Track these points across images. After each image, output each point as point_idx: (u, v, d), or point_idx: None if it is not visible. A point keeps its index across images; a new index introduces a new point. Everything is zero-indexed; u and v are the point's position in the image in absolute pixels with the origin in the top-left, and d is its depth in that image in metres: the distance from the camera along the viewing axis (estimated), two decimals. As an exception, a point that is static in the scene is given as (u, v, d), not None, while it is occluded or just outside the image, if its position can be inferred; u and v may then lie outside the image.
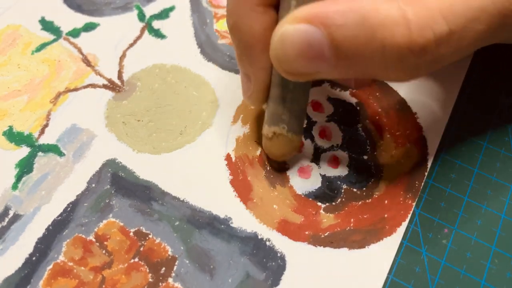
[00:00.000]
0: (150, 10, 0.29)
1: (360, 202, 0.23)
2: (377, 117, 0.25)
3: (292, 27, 0.17)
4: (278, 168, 0.23)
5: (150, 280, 0.21)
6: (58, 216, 0.22)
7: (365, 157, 0.24)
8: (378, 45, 0.17)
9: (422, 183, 0.23)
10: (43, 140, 0.24)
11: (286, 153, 0.22)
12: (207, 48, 0.28)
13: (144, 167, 0.23)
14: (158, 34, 0.28)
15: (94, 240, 0.22)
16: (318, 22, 0.17)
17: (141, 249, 0.21)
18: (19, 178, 0.23)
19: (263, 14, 0.20)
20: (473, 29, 0.17)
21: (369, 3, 0.16)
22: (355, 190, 0.23)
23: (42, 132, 0.25)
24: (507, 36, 0.20)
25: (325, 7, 0.17)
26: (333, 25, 0.17)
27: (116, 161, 0.24)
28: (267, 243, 0.21)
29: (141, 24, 0.29)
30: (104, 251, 0.21)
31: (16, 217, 0.22)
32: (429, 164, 0.24)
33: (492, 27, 0.18)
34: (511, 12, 0.18)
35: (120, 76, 0.27)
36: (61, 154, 0.24)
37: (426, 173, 0.23)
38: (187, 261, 0.21)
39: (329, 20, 0.17)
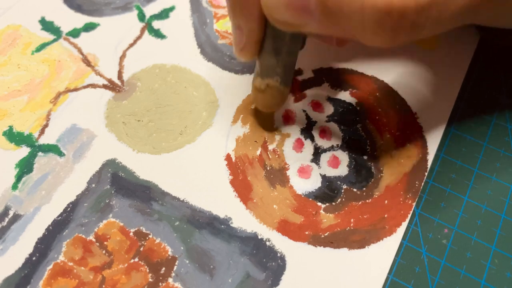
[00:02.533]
0: (150, 10, 0.29)
1: (360, 202, 0.23)
2: (377, 117, 0.25)
3: None
4: (266, 119, 0.24)
5: (150, 280, 0.21)
6: (58, 216, 0.22)
7: (365, 157, 0.24)
8: (358, 4, 0.17)
9: (422, 183, 0.23)
10: (43, 140, 0.24)
11: (277, 104, 0.23)
12: (207, 48, 0.28)
13: (144, 167, 0.24)
14: (158, 34, 0.28)
15: (94, 240, 0.22)
16: None
17: (141, 249, 0.21)
18: (19, 178, 0.23)
19: None
20: (455, 2, 0.17)
21: None
22: (355, 190, 0.23)
23: (42, 132, 0.25)
24: (488, 16, 0.20)
25: None
26: None
27: (116, 161, 0.24)
28: (267, 243, 0.21)
29: (141, 24, 0.29)
30: (104, 251, 0.21)
31: (16, 217, 0.22)
32: (429, 164, 0.24)
33: (474, 3, 0.18)
34: None
35: (120, 76, 0.27)
36: (61, 154, 0.24)
37: (426, 173, 0.23)
38: (187, 261, 0.21)
39: None
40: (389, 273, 0.21)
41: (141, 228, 0.22)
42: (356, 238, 0.22)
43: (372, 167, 0.24)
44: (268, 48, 0.21)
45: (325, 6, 0.17)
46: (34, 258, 0.21)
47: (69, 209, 0.22)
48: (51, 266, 0.21)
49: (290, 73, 0.22)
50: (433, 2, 0.17)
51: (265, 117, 0.25)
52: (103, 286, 0.20)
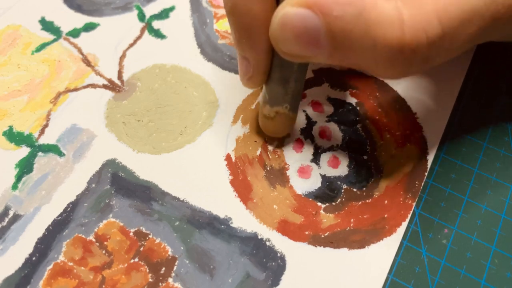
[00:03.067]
0: (150, 10, 0.29)
1: (360, 202, 0.23)
2: (377, 117, 0.25)
3: (292, 10, 0.17)
4: (278, 143, 0.24)
5: (150, 280, 0.21)
6: (58, 216, 0.22)
7: (365, 157, 0.24)
8: (370, 41, 0.17)
9: (422, 183, 0.23)
10: (43, 140, 0.24)
11: (286, 130, 0.24)
12: (207, 48, 0.28)
13: (144, 167, 0.24)
14: (158, 34, 0.28)
15: (94, 240, 0.22)
16: (317, 9, 0.17)
17: (141, 249, 0.21)
18: (19, 178, 0.23)
19: None
20: (466, 31, 0.17)
21: None
22: (355, 190, 0.23)
23: (42, 132, 0.25)
24: (497, 36, 0.20)
25: None
26: (331, 15, 0.17)
27: (116, 161, 0.24)
28: (267, 243, 0.21)
29: (141, 24, 0.29)
30: (104, 251, 0.21)
31: (16, 217, 0.22)
32: (429, 164, 0.24)
33: (484, 29, 0.18)
34: (503, 15, 0.18)
35: (120, 76, 0.27)
36: (61, 154, 0.24)
37: (426, 173, 0.23)
38: (187, 261, 0.21)
39: (327, 9, 0.17)
40: (389, 273, 0.21)
41: (141, 228, 0.22)
42: (356, 238, 0.22)
43: (372, 167, 0.24)
44: (275, 77, 0.21)
45: (336, 41, 0.17)
46: (34, 258, 0.21)
47: (69, 209, 0.22)
48: (51, 266, 0.21)
49: (298, 99, 0.22)
50: (444, 33, 0.17)
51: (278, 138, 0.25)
52: (103, 286, 0.20)
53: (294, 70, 0.21)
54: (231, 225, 0.22)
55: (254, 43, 0.20)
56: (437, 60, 0.18)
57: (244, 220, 0.22)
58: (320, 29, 0.17)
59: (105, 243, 0.21)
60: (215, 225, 0.22)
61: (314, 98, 0.26)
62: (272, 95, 0.22)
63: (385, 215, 0.22)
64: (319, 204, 0.23)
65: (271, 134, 0.24)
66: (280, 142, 0.24)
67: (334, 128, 0.25)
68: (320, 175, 0.23)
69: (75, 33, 0.28)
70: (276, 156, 0.24)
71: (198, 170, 0.23)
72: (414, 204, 0.22)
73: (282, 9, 0.18)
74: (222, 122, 0.25)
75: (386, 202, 0.23)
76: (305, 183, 0.23)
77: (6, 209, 0.22)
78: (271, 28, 0.18)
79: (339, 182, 0.23)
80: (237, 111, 0.25)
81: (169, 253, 0.21)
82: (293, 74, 0.21)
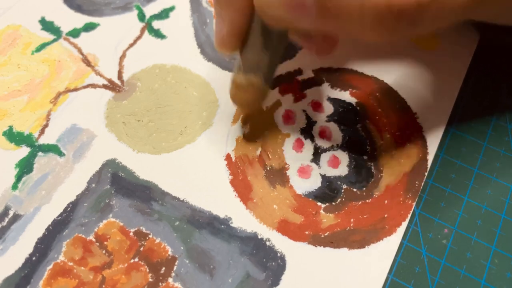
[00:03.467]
0: (150, 10, 0.29)
1: (360, 202, 0.23)
2: (377, 117, 0.25)
3: None
4: (250, 131, 0.24)
5: (150, 280, 0.21)
6: (58, 216, 0.22)
7: (365, 157, 0.24)
8: (357, 2, 0.16)
9: (422, 183, 0.23)
10: (43, 140, 0.24)
11: (257, 102, 0.22)
12: (207, 48, 0.28)
13: (144, 167, 0.23)
14: (158, 34, 0.28)
15: (94, 240, 0.22)
16: None
17: (141, 249, 0.21)
18: (19, 178, 0.23)
19: None
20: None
21: None
22: (355, 190, 0.23)
23: (42, 132, 0.25)
24: (488, 13, 0.20)
25: None
26: None
27: (116, 161, 0.24)
28: (267, 243, 0.21)
29: (141, 24, 0.29)
30: (104, 251, 0.21)
31: (16, 217, 0.22)
32: (429, 164, 0.24)
33: (474, 0, 0.17)
34: None
35: (120, 76, 0.27)
36: (61, 154, 0.24)
37: (426, 173, 0.23)
38: (187, 261, 0.21)
39: None
40: (389, 273, 0.21)
41: (141, 228, 0.22)
42: (356, 238, 0.22)
43: (372, 167, 0.24)
44: (253, 43, 0.21)
45: (323, 4, 0.17)
46: (34, 258, 0.21)
47: (69, 209, 0.22)
48: (51, 266, 0.21)
49: (273, 72, 0.22)
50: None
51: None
52: (103, 286, 0.20)
53: (273, 38, 0.20)
54: (231, 225, 0.22)
55: (232, 1, 0.20)
56: (424, 26, 0.17)
57: (244, 220, 0.22)
58: None
59: (105, 243, 0.21)
60: (215, 225, 0.22)
61: (314, 98, 0.26)
62: (246, 62, 0.21)
63: (385, 215, 0.22)
64: (319, 204, 0.23)
65: (241, 106, 0.23)
66: (254, 130, 0.24)
67: (334, 128, 0.25)
68: (320, 175, 0.23)
69: (75, 33, 0.28)
70: (276, 156, 0.24)
71: (198, 170, 0.23)
72: (414, 204, 0.22)
73: None
74: (222, 122, 0.25)
75: (386, 202, 0.23)
76: (305, 183, 0.23)
77: (6, 209, 0.22)
78: None
79: (339, 182, 0.23)
80: (237, 111, 0.25)
81: (169, 253, 0.21)
82: (271, 42, 0.20)
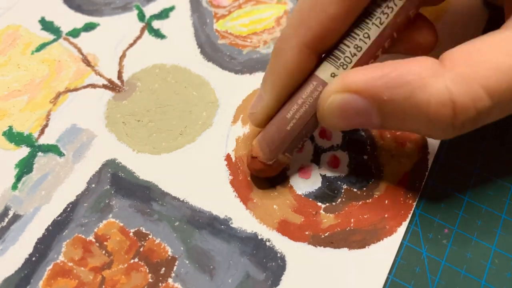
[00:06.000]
0: (150, 10, 0.29)
1: (360, 202, 0.23)
2: (377, 117, 0.25)
3: (340, 97, 0.18)
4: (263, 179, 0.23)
5: (150, 280, 0.21)
6: (58, 216, 0.22)
7: (365, 157, 0.24)
8: (423, 119, 0.17)
9: (422, 183, 0.23)
10: (43, 140, 0.24)
11: (275, 172, 0.22)
12: (207, 48, 0.28)
13: (144, 167, 0.23)
14: (158, 34, 0.28)
15: (94, 240, 0.22)
16: (366, 94, 0.18)
17: (141, 249, 0.21)
18: (19, 178, 0.23)
19: (306, 57, 0.20)
20: None
21: (417, 79, 0.17)
22: (355, 190, 0.23)
23: (42, 132, 0.25)
24: None
25: (373, 78, 0.18)
26: (381, 100, 0.18)
27: (116, 161, 0.24)
28: (267, 243, 0.21)
29: (141, 24, 0.29)
30: (104, 252, 0.21)
31: (16, 217, 0.22)
32: (430, 164, 0.24)
33: None
34: None
35: (120, 76, 0.27)
36: (61, 154, 0.24)
37: (426, 173, 0.23)
38: (187, 262, 0.21)
39: (377, 94, 0.18)
40: (389, 273, 0.21)
41: (141, 228, 0.22)
42: (356, 238, 0.22)
43: (372, 167, 0.24)
44: (295, 129, 0.21)
45: (388, 119, 0.18)
46: (33, 258, 0.21)
47: (69, 209, 0.22)
48: (50, 266, 0.21)
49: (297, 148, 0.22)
50: (495, 105, 0.17)
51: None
52: (103, 286, 0.20)
53: (311, 130, 0.21)
54: (231, 225, 0.22)
55: (274, 88, 0.21)
56: (488, 121, 0.18)
57: (244, 220, 0.22)
58: (371, 110, 0.18)
59: (105, 243, 0.21)
60: (215, 225, 0.22)
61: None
62: (281, 144, 0.21)
63: (385, 215, 0.22)
64: (319, 204, 0.23)
65: (258, 175, 0.23)
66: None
67: (334, 128, 0.25)
68: (320, 175, 0.23)
69: (75, 33, 0.28)
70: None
71: (198, 170, 0.23)
72: (414, 204, 0.22)
73: (329, 93, 0.19)
74: (222, 122, 0.25)
75: (386, 202, 0.23)
76: (305, 183, 0.23)
77: (6, 209, 0.22)
78: (318, 109, 0.19)
79: (339, 182, 0.23)
80: (237, 111, 0.25)
81: (169, 253, 0.21)
82: (310, 133, 0.21)
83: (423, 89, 0.17)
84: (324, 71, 0.20)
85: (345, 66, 0.20)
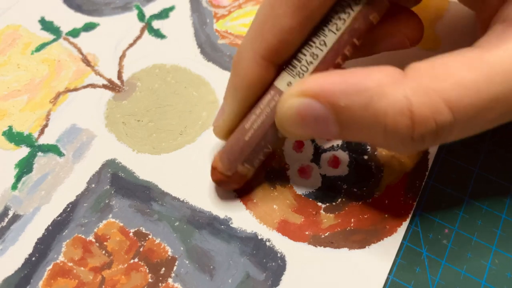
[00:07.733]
0: (150, 10, 0.29)
1: (360, 202, 0.23)
2: (377, 117, 0.25)
3: (297, 101, 0.18)
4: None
5: (150, 280, 0.21)
6: (58, 216, 0.22)
7: (365, 157, 0.24)
8: (381, 129, 0.17)
9: (423, 183, 0.23)
10: (43, 140, 0.24)
11: (239, 185, 0.22)
12: (207, 48, 0.28)
13: (144, 167, 0.23)
14: (158, 34, 0.28)
15: (94, 240, 0.22)
16: (323, 99, 0.17)
17: (141, 249, 0.21)
18: (18, 178, 0.23)
19: (263, 68, 0.20)
20: (483, 118, 0.17)
21: (375, 86, 0.17)
22: (355, 190, 0.23)
23: (42, 132, 0.25)
24: None
25: (331, 84, 0.17)
26: (339, 106, 0.17)
27: (116, 161, 0.24)
28: (267, 243, 0.21)
29: (141, 24, 0.29)
30: (104, 252, 0.21)
31: (16, 217, 0.22)
32: (430, 164, 0.24)
33: (506, 114, 0.17)
34: None
35: (120, 76, 0.27)
36: (61, 154, 0.24)
37: (426, 173, 0.23)
38: (187, 262, 0.21)
39: (334, 99, 0.17)
40: (389, 273, 0.21)
41: (141, 228, 0.22)
42: (356, 238, 0.22)
43: (373, 167, 0.24)
44: (254, 140, 0.21)
45: (345, 127, 0.18)
46: (33, 259, 0.21)
47: (68, 209, 0.22)
48: (50, 267, 0.21)
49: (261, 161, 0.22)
50: (457, 121, 0.16)
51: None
52: (103, 286, 0.20)
53: (274, 142, 0.21)
54: (231, 225, 0.22)
55: (234, 100, 0.21)
56: (450, 139, 0.18)
57: (244, 220, 0.22)
58: (328, 117, 0.18)
59: (105, 243, 0.21)
60: (215, 225, 0.22)
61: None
62: (240, 155, 0.21)
63: (386, 215, 0.22)
64: (319, 204, 0.23)
65: (221, 187, 0.23)
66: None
67: (334, 128, 0.25)
68: (320, 175, 0.23)
69: (75, 33, 0.28)
70: (276, 156, 0.24)
71: (198, 170, 0.23)
72: (414, 204, 0.22)
73: (287, 98, 0.18)
74: (222, 122, 0.25)
75: (386, 202, 0.23)
76: (305, 183, 0.23)
77: (6, 209, 0.22)
78: (276, 115, 0.19)
79: (339, 182, 0.23)
80: (237, 111, 0.25)
81: (169, 253, 0.21)
82: (272, 145, 0.21)
83: (381, 97, 0.16)
84: (282, 81, 0.20)
85: (301, 75, 0.19)
